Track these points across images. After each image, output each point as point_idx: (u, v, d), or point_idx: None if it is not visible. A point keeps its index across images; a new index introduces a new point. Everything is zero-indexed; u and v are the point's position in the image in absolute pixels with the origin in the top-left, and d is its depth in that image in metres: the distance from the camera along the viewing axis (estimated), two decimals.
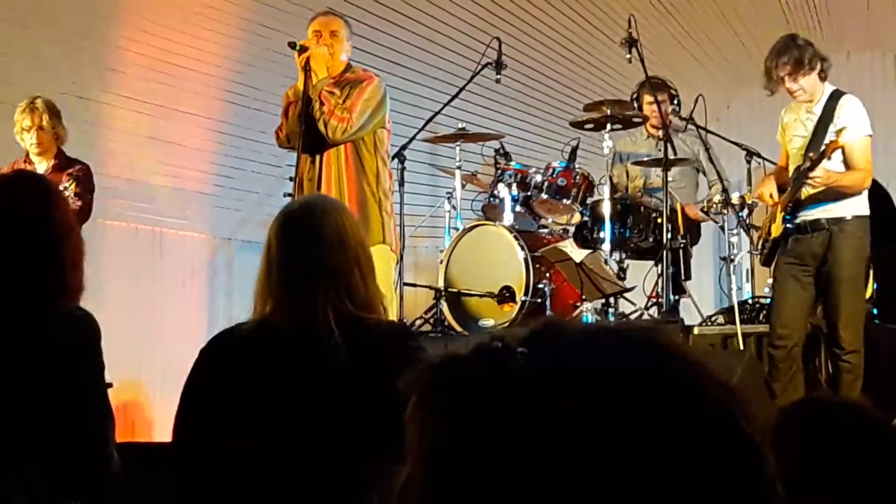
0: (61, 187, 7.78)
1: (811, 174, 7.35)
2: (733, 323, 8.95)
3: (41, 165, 8.26)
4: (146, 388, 9.24)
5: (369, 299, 3.95)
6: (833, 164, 7.48)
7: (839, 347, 7.51)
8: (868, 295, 9.04)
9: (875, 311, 9.84)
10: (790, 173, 7.82)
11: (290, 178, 7.57)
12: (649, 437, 1.09)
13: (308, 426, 3.75)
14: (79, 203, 7.98)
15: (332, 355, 3.78)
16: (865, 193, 7.60)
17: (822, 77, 7.66)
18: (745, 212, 9.38)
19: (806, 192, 7.57)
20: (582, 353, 1.14)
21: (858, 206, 7.58)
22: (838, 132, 7.33)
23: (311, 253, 3.89)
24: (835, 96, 7.68)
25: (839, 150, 7.48)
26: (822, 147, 7.35)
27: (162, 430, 8.90)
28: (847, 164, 7.52)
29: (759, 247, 8.19)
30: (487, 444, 1.10)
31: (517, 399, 1.11)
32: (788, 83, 7.60)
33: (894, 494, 2.15)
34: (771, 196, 7.80)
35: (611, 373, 1.12)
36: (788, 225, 7.66)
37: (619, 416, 1.09)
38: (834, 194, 7.49)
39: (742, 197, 9.36)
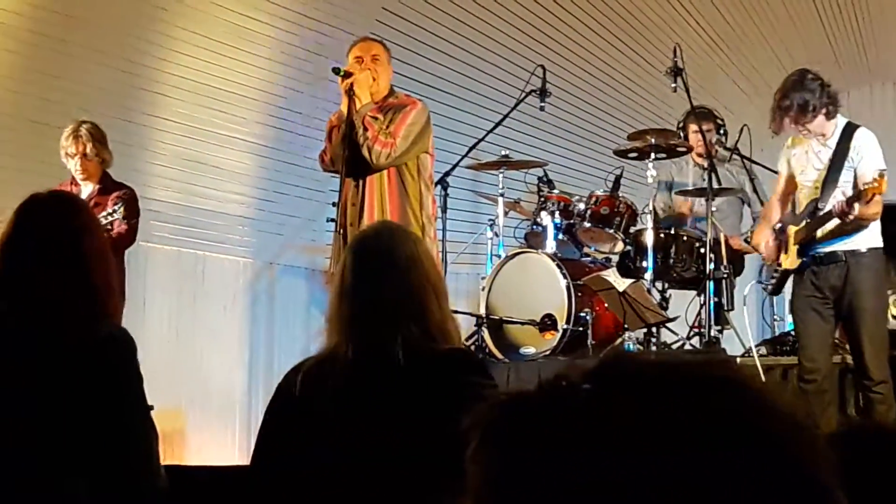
0: (109, 210, 7.86)
1: (850, 216, 7.30)
2: (776, 354, 8.92)
3: (86, 188, 8.30)
4: (185, 412, 9.23)
5: (443, 324, 3.97)
6: (847, 189, 7.46)
7: (868, 379, 7.47)
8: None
9: None
10: (802, 205, 7.76)
11: (334, 204, 7.58)
12: (722, 486, 1.08)
13: (373, 457, 3.77)
14: (125, 227, 8.01)
15: (399, 387, 3.81)
16: (878, 225, 7.56)
17: (830, 117, 7.60)
18: None
19: (824, 229, 7.53)
20: (650, 392, 1.12)
21: (873, 238, 7.55)
22: (881, 177, 7.26)
23: (385, 280, 3.90)
24: (849, 129, 7.63)
25: (852, 183, 7.46)
26: (861, 189, 7.28)
27: (198, 455, 8.89)
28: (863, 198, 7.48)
29: (768, 276, 8.18)
30: (550, 485, 1.09)
31: (579, 436, 1.10)
32: (791, 125, 7.54)
33: None
34: (774, 230, 7.84)
35: (681, 416, 1.10)
36: (804, 258, 7.63)
37: (687, 450, 1.08)
38: (850, 227, 7.45)
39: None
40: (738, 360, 8.83)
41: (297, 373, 3.98)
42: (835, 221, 7.36)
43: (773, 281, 8.02)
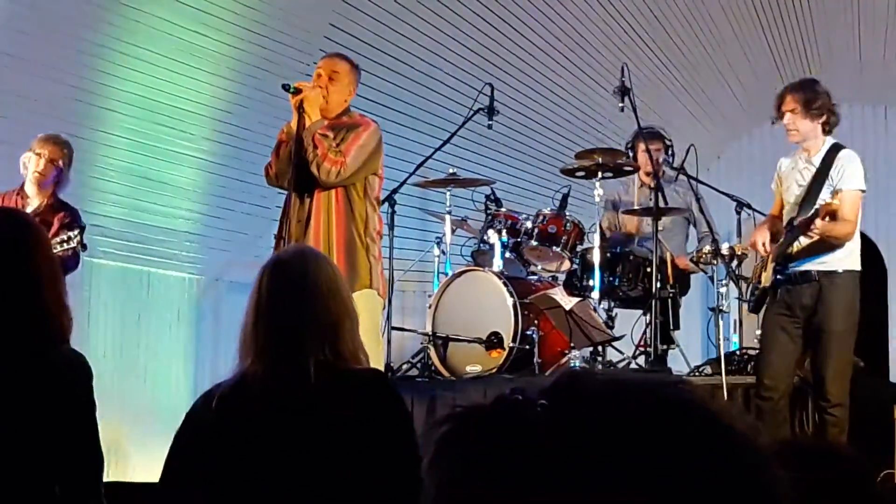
0: (64, 237, 7.83)
1: (813, 227, 7.34)
2: (721, 374, 8.95)
3: (34, 201, 8.24)
4: (129, 428, 9.19)
5: (355, 352, 4.04)
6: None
7: (825, 400, 7.52)
8: None
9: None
10: (784, 222, 7.79)
11: (278, 221, 7.56)
12: (670, 489, 1.09)
13: (286, 473, 3.83)
14: (71, 251, 7.97)
15: (310, 407, 3.86)
16: (857, 249, 7.60)
17: (826, 130, 7.67)
18: (735, 263, 9.37)
19: (798, 245, 7.55)
20: (604, 409, 1.13)
21: (850, 261, 7.60)
22: (834, 194, 7.31)
23: (304, 304, 3.93)
24: (834, 149, 7.71)
25: (830, 197, 7.48)
26: (817, 207, 7.33)
27: (142, 470, 8.85)
28: (836, 215, 7.50)
29: (749, 293, 8.19)
30: (505, 496, 1.09)
31: (535, 453, 1.11)
32: (789, 118, 7.60)
33: None
34: (763, 245, 7.81)
35: (633, 431, 1.11)
36: (779, 276, 7.65)
37: (640, 474, 1.09)
38: (825, 247, 7.50)
39: (731, 248, 9.35)
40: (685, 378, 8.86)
41: (208, 398, 4.01)
42: (803, 237, 7.41)
43: (755, 298, 8.04)
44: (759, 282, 7.89)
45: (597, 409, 1.12)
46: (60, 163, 8.33)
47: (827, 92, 7.71)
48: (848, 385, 7.65)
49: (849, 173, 7.61)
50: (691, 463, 1.10)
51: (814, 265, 7.58)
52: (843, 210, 7.45)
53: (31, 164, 8.26)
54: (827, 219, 7.29)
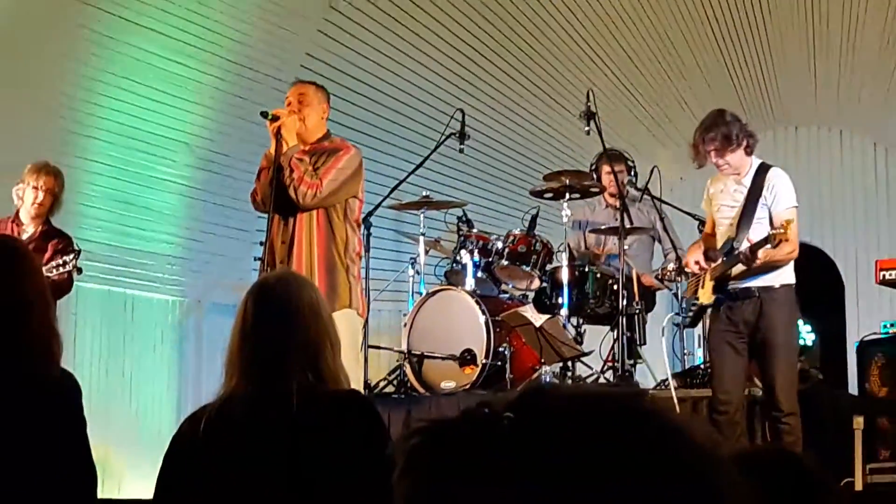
0: (61, 261, 7.89)
1: (756, 262, 7.38)
2: (686, 387, 8.97)
3: (28, 230, 8.25)
4: (115, 447, 9.16)
5: (336, 373, 4.03)
6: (760, 232, 7.53)
7: (778, 411, 7.52)
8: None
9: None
10: (718, 241, 7.83)
11: (261, 243, 7.55)
12: (631, 497, 1.10)
13: (272, 491, 3.84)
14: (66, 275, 8.02)
15: (292, 428, 3.86)
16: (792, 262, 7.63)
17: (749, 152, 7.70)
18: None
19: (738, 268, 7.59)
20: (568, 421, 1.14)
21: (786, 275, 7.64)
22: (786, 224, 7.33)
23: (287, 328, 3.94)
24: (762, 169, 7.74)
25: (767, 220, 7.57)
26: (767, 235, 7.36)
27: (130, 488, 8.82)
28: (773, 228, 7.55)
29: (685, 309, 8.24)
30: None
31: (502, 463, 1.11)
32: (715, 158, 7.62)
33: None
34: (697, 263, 7.87)
35: (595, 442, 1.11)
36: (719, 294, 7.69)
37: (602, 475, 1.09)
38: (764, 266, 7.51)
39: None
40: (651, 392, 8.87)
41: (193, 421, 4.00)
42: (748, 261, 7.42)
43: (691, 314, 8.08)
44: (696, 298, 7.94)
45: (560, 422, 1.13)
46: (57, 190, 8.35)
47: (737, 118, 7.72)
48: (796, 394, 7.69)
49: (781, 193, 7.66)
50: (650, 472, 1.10)
51: (753, 283, 7.61)
52: (787, 235, 7.50)
53: (29, 197, 8.26)
54: (768, 247, 7.34)
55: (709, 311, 7.93)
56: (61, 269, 7.95)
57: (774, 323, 7.53)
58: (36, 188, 8.25)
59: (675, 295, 10.07)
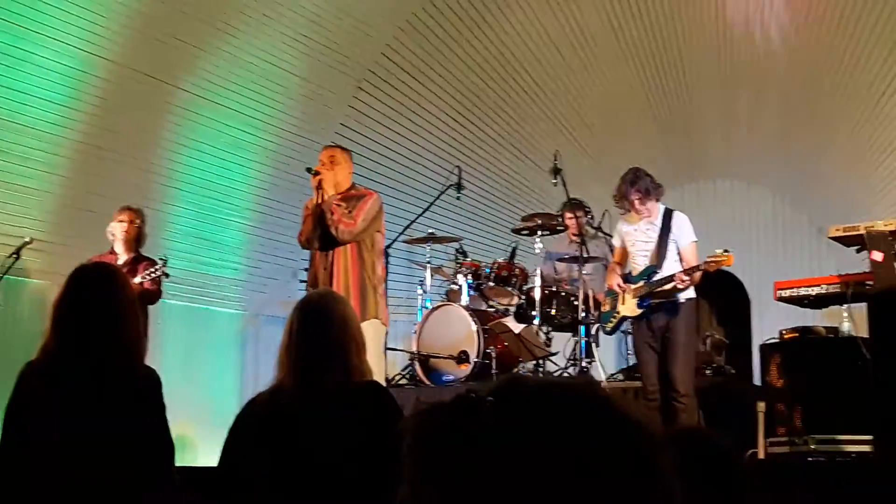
0: (151, 270, 8.03)
1: (686, 279, 7.44)
2: (630, 379, 8.97)
3: (123, 257, 8.24)
4: (193, 427, 9.16)
5: (361, 368, 4.03)
6: (672, 263, 7.66)
7: (676, 392, 7.50)
8: None
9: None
10: (634, 268, 7.92)
11: (305, 269, 7.57)
12: (587, 468, 1.10)
13: (310, 458, 3.84)
14: (154, 287, 8.09)
15: (326, 410, 3.88)
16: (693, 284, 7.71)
17: (657, 199, 7.84)
18: None
19: (663, 288, 7.66)
20: (537, 403, 1.14)
21: (690, 293, 7.69)
22: (724, 255, 7.41)
23: (324, 334, 3.95)
24: (668, 213, 7.86)
25: (676, 252, 7.69)
26: (703, 264, 7.44)
27: (206, 459, 8.80)
28: (683, 263, 7.66)
29: (604, 320, 8.27)
30: (462, 471, 1.11)
31: (485, 435, 1.11)
32: (639, 205, 7.73)
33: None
34: (619, 285, 7.93)
35: (558, 419, 1.12)
36: (642, 308, 7.73)
37: (563, 446, 1.10)
38: (677, 288, 7.58)
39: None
40: (604, 383, 8.86)
41: (252, 403, 4.04)
42: (672, 284, 7.47)
43: (611, 323, 8.13)
44: (615, 311, 7.98)
45: (531, 404, 1.14)
46: (138, 222, 8.36)
47: (649, 175, 7.85)
48: (693, 380, 7.73)
49: (685, 231, 7.79)
50: (602, 444, 1.11)
51: (666, 299, 7.67)
52: (688, 259, 7.65)
53: (118, 230, 8.27)
54: (696, 273, 7.44)
55: (627, 322, 8.02)
56: (153, 275, 8.05)
57: (679, 327, 7.59)
58: (122, 221, 8.28)
59: None
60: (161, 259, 8.18)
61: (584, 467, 1.10)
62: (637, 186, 7.75)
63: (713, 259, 7.40)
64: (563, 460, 1.10)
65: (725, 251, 7.43)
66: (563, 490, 1.08)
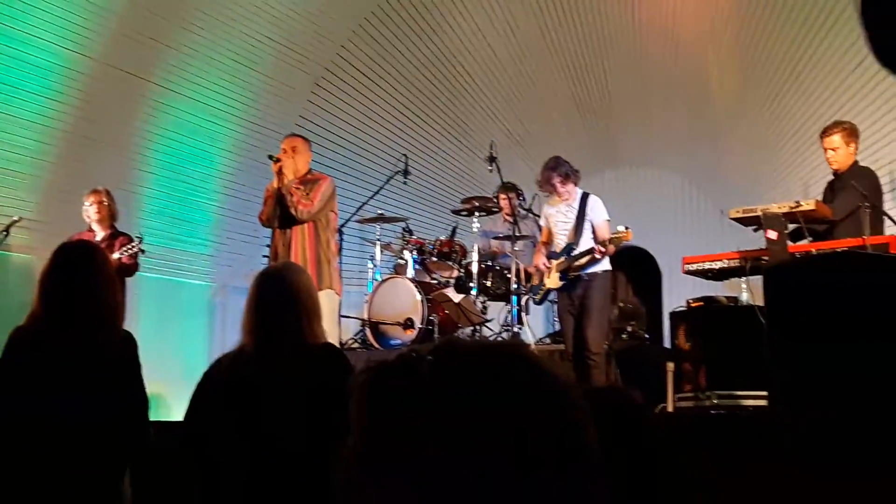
0: (129, 245, 7.98)
1: (603, 250, 7.58)
2: (557, 343, 9.01)
3: (100, 233, 8.19)
4: (166, 386, 9.11)
5: (316, 332, 4.03)
6: (588, 240, 7.78)
7: (589, 350, 7.60)
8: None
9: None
10: (556, 245, 8.03)
11: (267, 245, 7.57)
12: (515, 418, 1.11)
13: (270, 412, 3.85)
14: (131, 261, 8.03)
15: (284, 369, 3.88)
16: (608, 257, 7.83)
17: (576, 184, 7.96)
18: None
19: (580, 262, 7.76)
20: (469, 360, 1.15)
21: (604, 265, 7.81)
22: (624, 231, 7.54)
23: (283, 301, 3.94)
24: (584, 196, 7.99)
25: (591, 230, 7.83)
26: (609, 239, 7.62)
27: (175, 415, 8.79)
28: (597, 239, 7.78)
29: (533, 292, 8.35)
30: (404, 420, 1.11)
31: (424, 389, 1.12)
32: (560, 188, 7.82)
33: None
34: (543, 263, 8.05)
35: (487, 372, 1.13)
36: (564, 280, 7.81)
37: (493, 400, 1.10)
38: (591, 261, 7.68)
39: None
40: (533, 345, 8.91)
41: (219, 363, 4.05)
42: (589, 257, 7.58)
43: (539, 294, 8.21)
44: (542, 284, 8.07)
45: (465, 360, 1.15)
46: (107, 201, 8.27)
47: (568, 162, 8.00)
48: (603, 340, 7.87)
49: (598, 211, 7.93)
50: (527, 396, 1.12)
51: (584, 271, 7.78)
52: (602, 234, 7.79)
53: (91, 211, 8.23)
54: (608, 246, 7.55)
55: (553, 293, 8.10)
56: (131, 251, 7.98)
57: (595, 295, 7.71)
58: (92, 203, 8.23)
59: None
60: (137, 237, 8.12)
61: (511, 417, 1.10)
62: (557, 172, 7.87)
63: (615, 235, 7.58)
64: (494, 411, 1.10)
65: (626, 228, 7.64)
66: (493, 436, 1.09)
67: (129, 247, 8.00)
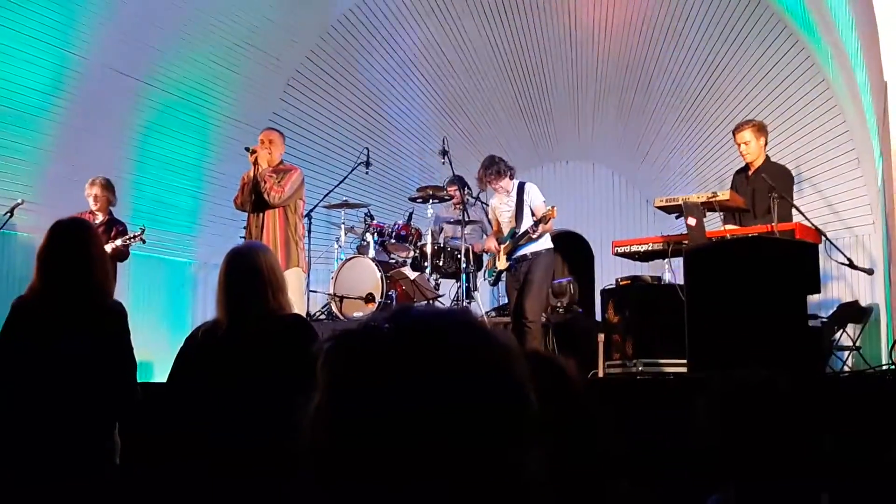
0: (127, 238, 8.07)
1: (537, 231, 7.57)
2: (501, 316, 9.03)
3: (99, 217, 8.22)
4: (153, 352, 9.06)
5: (283, 304, 3.99)
6: (528, 223, 7.82)
7: (525, 318, 7.64)
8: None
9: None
10: (503, 233, 8.11)
11: (244, 227, 7.53)
12: (463, 374, 1.11)
13: (239, 379, 3.81)
14: (124, 248, 8.08)
15: (253, 338, 3.86)
16: (549, 236, 7.89)
17: (511, 177, 8.02)
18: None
19: (520, 242, 7.81)
20: (422, 324, 1.16)
21: (545, 243, 7.87)
22: (552, 209, 7.56)
23: (250, 277, 3.92)
24: (521, 185, 8.04)
25: (530, 213, 7.87)
26: (539, 218, 7.65)
27: (161, 376, 8.73)
28: (535, 217, 7.82)
29: (488, 275, 8.41)
30: (365, 381, 1.10)
31: (383, 353, 1.12)
32: (494, 184, 7.91)
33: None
34: (494, 246, 8.17)
35: (438, 335, 1.14)
36: (510, 261, 7.85)
37: (444, 359, 1.11)
38: (533, 241, 7.71)
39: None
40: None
41: (196, 331, 4.03)
42: (527, 236, 7.62)
43: (493, 277, 8.26)
44: (495, 267, 8.13)
45: (418, 324, 1.15)
46: (100, 195, 8.27)
47: (503, 159, 8.06)
48: (540, 310, 7.92)
49: (534, 195, 7.98)
50: (473, 355, 1.12)
51: (527, 250, 7.81)
52: (538, 214, 7.79)
53: (90, 200, 8.25)
54: (541, 225, 7.56)
55: (503, 273, 8.11)
56: (128, 242, 8.04)
57: (536, 270, 7.77)
58: (96, 195, 8.25)
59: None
60: (141, 227, 8.15)
61: (460, 374, 1.10)
62: (490, 170, 7.94)
63: (544, 214, 7.61)
64: (445, 368, 1.10)
65: (551, 206, 7.73)
66: (445, 391, 1.09)
67: (131, 235, 8.01)
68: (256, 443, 3.59)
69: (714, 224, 7.50)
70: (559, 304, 9.69)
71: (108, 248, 7.75)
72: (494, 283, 8.46)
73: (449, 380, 1.09)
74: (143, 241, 8.15)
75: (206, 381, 3.84)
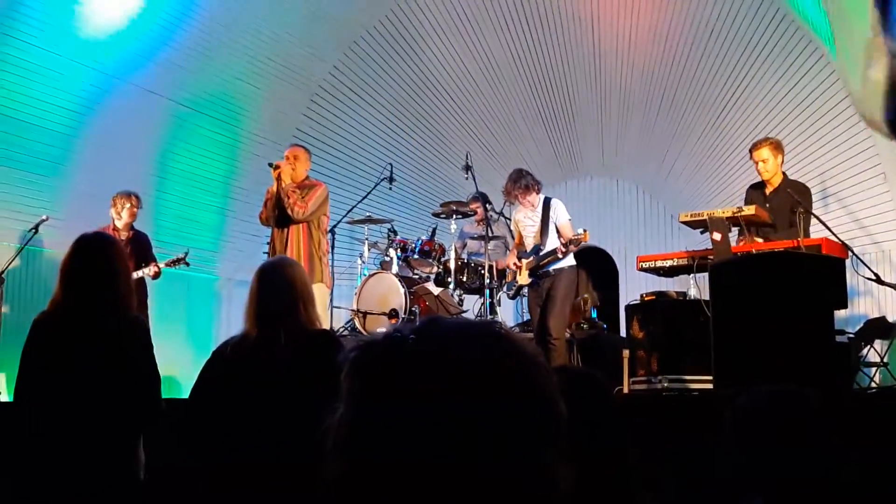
0: (166, 262, 8.13)
1: (565, 252, 7.64)
2: (525, 332, 9.00)
3: (124, 233, 8.25)
4: (179, 368, 9.09)
5: (310, 318, 3.99)
6: (553, 240, 7.85)
7: (551, 335, 7.64)
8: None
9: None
10: (526, 247, 8.11)
11: (267, 243, 7.56)
12: (489, 386, 1.10)
13: (268, 393, 3.81)
14: (157, 271, 8.12)
15: (282, 353, 3.84)
16: (572, 254, 7.90)
17: (538, 192, 8.03)
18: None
19: (546, 260, 7.80)
20: (448, 337, 1.14)
21: (569, 261, 7.88)
22: (583, 233, 7.57)
23: (280, 292, 3.92)
24: (547, 201, 8.05)
25: (555, 230, 7.88)
26: (570, 240, 7.69)
27: (187, 392, 8.76)
28: (561, 236, 7.85)
29: (507, 288, 8.41)
30: (389, 393, 1.10)
31: (407, 366, 1.11)
32: (521, 199, 7.89)
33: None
34: (515, 264, 8.15)
35: (466, 349, 1.12)
36: (533, 277, 7.84)
37: (472, 374, 1.10)
38: (557, 258, 7.72)
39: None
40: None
41: (226, 345, 4.00)
42: (554, 255, 7.62)
43: (513, 291, 8.29)
44: (515, 281, 8.17)
45: (444, 337, 1.13)
46: (136, 210, 8.29)
47: (530, 173, 8.06)
48: (564, 327, 7.90)
49: (560, 212, 7.99)
50: (500, 367, 1.11)
51: (551, 268, 7.82)
52: (565, 233, 7.85)
53: (125, 214, 8.23)
54: (571, 246, 7.56)
55: (525, 288, 8.12)
56: (173, 266, 8.19)
57: (559, 286, 7.77)
58: (129, 210, 8.27)
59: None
60: (185, 251, 8.25)
61: (486, 386, 1.09)
62: (518, 184, 7.93)
63: (574, 237, 7.65)
64: (471, 379, 1.09)
65: (584, 230, 7.74)
66: (471, 403, 1.08)
67: (174, 258, 8.16)
68: (286, 457, 3.59)
69: (733, 239, 7.46)
70: (582, 322, 9.66)
71: (150, 271, 7.83)
72: (513, 297, 8.48)
73: (476, 391, 1.08)
74: (188, 265, 8.23)
75: (237, 394, 3.84)
